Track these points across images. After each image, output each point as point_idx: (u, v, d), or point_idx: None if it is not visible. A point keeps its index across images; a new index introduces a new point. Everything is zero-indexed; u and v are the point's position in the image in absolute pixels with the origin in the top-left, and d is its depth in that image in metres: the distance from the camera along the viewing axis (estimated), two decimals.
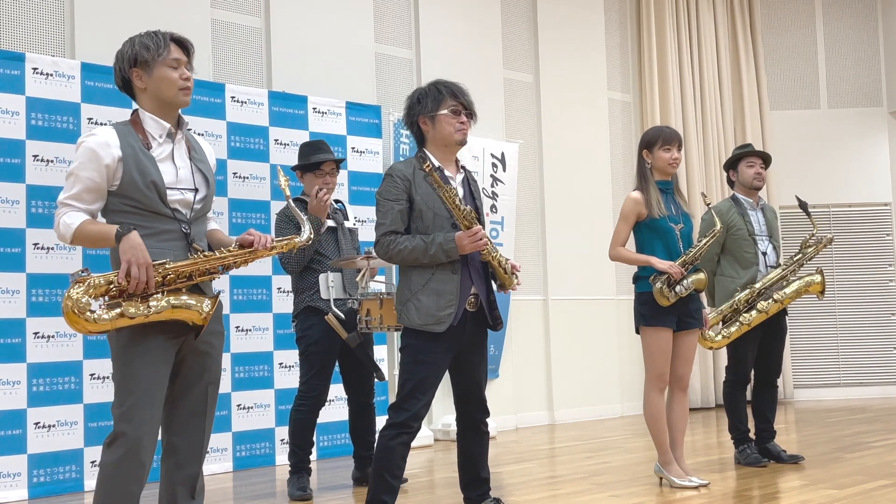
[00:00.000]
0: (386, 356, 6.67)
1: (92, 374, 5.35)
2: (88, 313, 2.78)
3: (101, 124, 4.84)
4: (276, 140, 6.36)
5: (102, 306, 2.83)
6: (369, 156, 6.87)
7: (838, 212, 9.90)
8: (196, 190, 3.07)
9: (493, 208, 7.61)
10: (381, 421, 4.07)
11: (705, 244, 4.68)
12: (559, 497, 4.53)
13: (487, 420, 3.80)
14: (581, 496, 4.52)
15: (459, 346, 3.65)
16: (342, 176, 6.51)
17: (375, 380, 4.99)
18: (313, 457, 5.44)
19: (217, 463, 5.83)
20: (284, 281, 6.14)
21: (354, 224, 5.21)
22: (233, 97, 6.18)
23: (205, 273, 3.00)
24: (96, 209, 2.97)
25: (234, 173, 6.13)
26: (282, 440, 6.11)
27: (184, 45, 3.09)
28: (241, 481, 5.54)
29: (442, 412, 7.17)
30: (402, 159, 6.19)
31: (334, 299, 4.80)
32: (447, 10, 7.73)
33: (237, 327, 6.04)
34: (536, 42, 8.47)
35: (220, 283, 5.84)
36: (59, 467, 5.20)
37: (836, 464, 5.25)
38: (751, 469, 5.16)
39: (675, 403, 4.74)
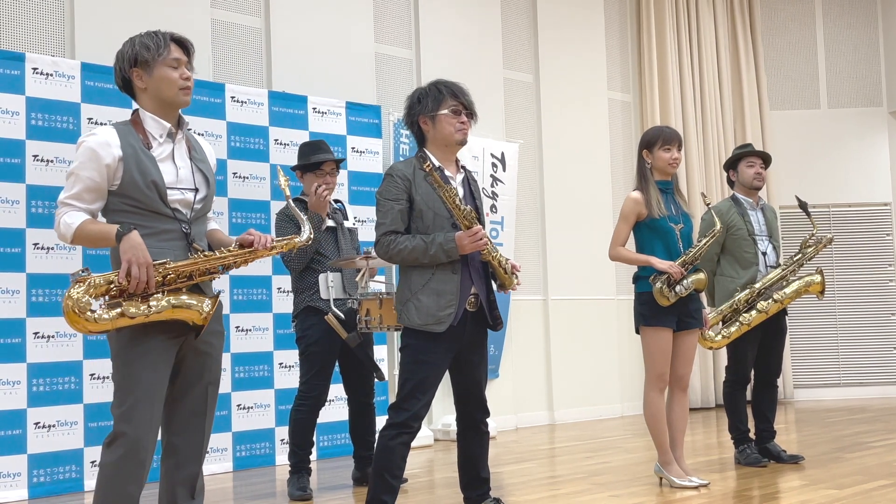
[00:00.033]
0: (386, 356, 6.67)
1: (92, 374, 5.36)
2: (89, 313, 2.79)
3: (101, 124, 4.84)
4: (276, 140, 6.36)
5: (103, 306, 2.83)
6: (369, 156, 6.88)
7: (838, 212, 9.90)
8: (196, 190, 3.07)
9: (493, 208, 7.61)
10: (381, 421, 4.07)
11: (705, 244, 4.68)
12: (559, 497, 4.53)
13: (487, 420, 3.80)
14: (581, 496, 4.52)
15: (459, 346, 3.65)
16: (342, 176, 6.51)
17: (375, 380, 4.99)
18: (313, 457, 5.44)
19: (217, 463, 5.83)
20: (284, 281, 6.14)
21: (354, 224, 5.21)
22: (233, 97, 6.18)
23: (205, 273, 3.00)
24: (97, 209, 2.97)
25: (234, 173, 6.13)
26: (282, 440, 6.11)
27: (184, 45, 3.09)
28: (241, 481, 5.54)
29: (442, 412, 7.17)
30: (402, 159, 6.19)
31: (334, 299, 4.80)
32: (447, 10, 7.73)
33: (237, 327, 6.04)
34: (536, 42, 8.47)
35: (220, 283, 5.84)
36: (59, 467, 5.20)
37: (836, 464, 5.25)
38: (751, 469, 5.16)
39: (675, 403, 4.74)
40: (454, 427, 3.92)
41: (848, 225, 9.86)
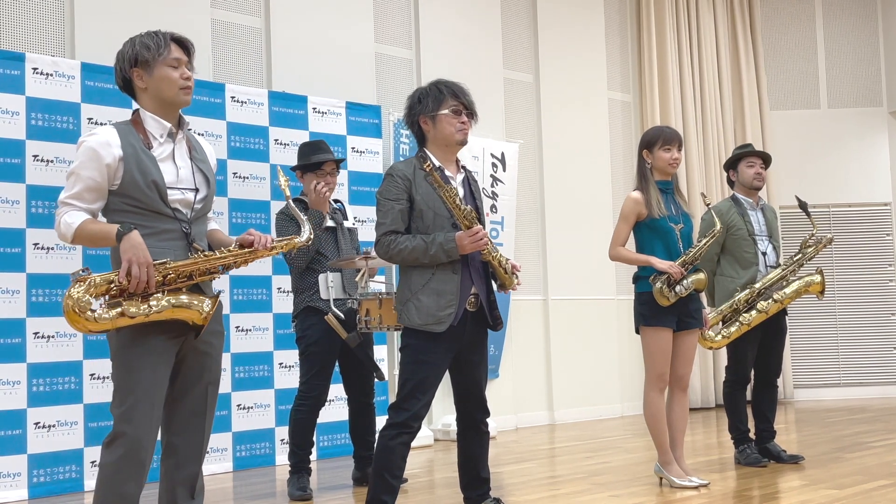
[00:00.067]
0: (386, 356, 6.67)
1: (92, 374, 5.36)
2: (89, 312, 2.79)
3: (101, 124, 4.84)
4: (276, 140, 6.36)
5: (103, 305, 2.83)
6: (369, 156, 6.88)
7: (838, 212, 9.90)
8: (197, 190, 3.07)
9: (493, 208, 7.61)
10: (381, 421, 4.07)
11: (705, 244, 4.68)
12: (559, 497, 4.53)
13: (487, 420, 3.80)
14: (581, 496, 4.52)
15: (459, 346, 3.65)
16: (342, 176, 6.51)
17: (375, 380, 4.99)
18: (313, 457, 5.43)
19: (217, 463, 5.83)
20: (284, 281, 6.14)
21: (353, 224, 5.21)
22: (233, 97, 6.18)
23: (205, 273, 3.00)
24: (97, 208, 2.97)
25: (234, 173, 6.13)
26: (282, 440, 6.11)
27: (184, 45, 3.09)
28: (241, 481, 5.54)
29: (442, 412, 7.17)
30: (402, 159, 6.19)
31: (334, 299, 4.80)
32: (447, 10, 7.73)
33: (237, 327, 6.04)
34: (536, 42, 8.47)
35: (220, 283, 5.84)
36: (59, 467, 5.20)
37: (836, 464, 5.25)
38: (751, 469, 5.16)
39: (675, 403, 4.74)
40: (454, 427, 3.92)
41: (848, 225, 9.86)
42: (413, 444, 3.69)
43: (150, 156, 2.98)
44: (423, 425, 6.17)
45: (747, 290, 5.24)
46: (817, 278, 5.40)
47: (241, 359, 6.04)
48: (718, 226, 4.82)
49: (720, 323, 5.26)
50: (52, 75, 5.36)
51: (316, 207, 4.82)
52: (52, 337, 5.24)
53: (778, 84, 10.13)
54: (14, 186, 5.20)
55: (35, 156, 5.28)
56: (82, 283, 2.80)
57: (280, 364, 6.21)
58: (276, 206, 6.07)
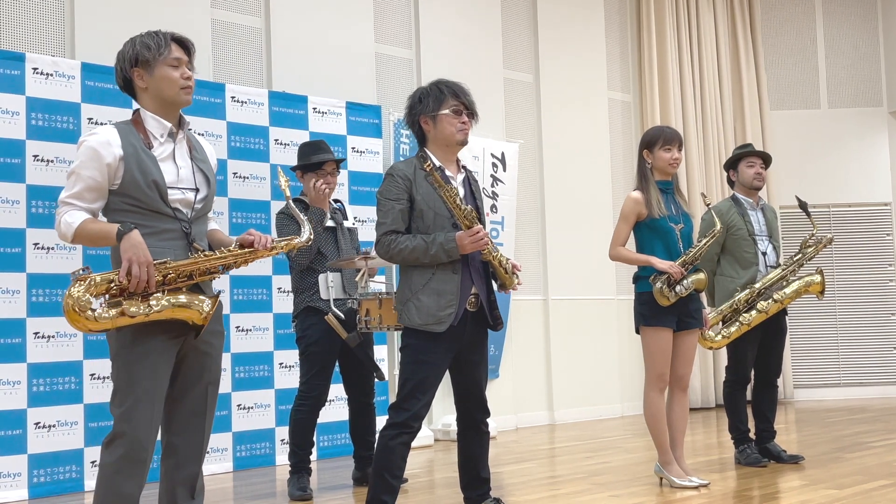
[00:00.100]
0: (386, 356, 6.67)
1: (92, 374, 5.36)
2: (89, 312, 2.78)
3: (101, 124, 4.84)
4: (276, 140, 6.36)
5: (103, 305, 2.83)
6: (369, 156, 6.88)
7: (838, 212, 9.90)
8: (197, 190, 3.07)
9: (494, 208, 7.61)
10: (381, 421, 4.07)
11: (705, 244, 4.68)
12: (559, 497, 4.53)
13: (488, 420, 3.80)
14: (581, 496, 4.52)
15: (460, 346, 3.65)
16: (342, 176, 6.51)
17: (375, 380, 4.99)
18: (313, 457, 5.43)
19: (217, 463, 5.83)
20: (284, 281, 6.14)
21: (353, 224, 5.21)
22: (233, 97, 6.18)
23: (205, 272, 3.00)
24: (97, 208, 2.97)
25: (234, 173, 6.13)
26: (282, 440, 6.11)
27: (185, 45, 3.10)
28: (241, 481, 5.54)
29: (442, 412, 7.17)
30: (402, 159, 6.20)
31: (334, 299, 4.81)
32: (447, 10, 7.73)
33: (237, 327, 6.04)
34: (536, 42, 8.47)
35: (220, 283, 5.84)
36: (59, 467, 5.20)
37: (836, 464, 5.25)
38: (751, 469, 5.16)
39: (675, 403, 4.74)
40: (454, 427, 3.92)
41: (848, 225, 9.86)
42: (413, 444, 3.69)
43: (150, 155, 2.98)
44: (423, 425, 6.16)
45: (747, 290, 5.24)
46: (817, 278, 5.40)
47: (242, 359, 6.04)
48: (718, 226, 4.82)
49: (720, 323, 5.26)
50: (52, 75, 5.37)
51: (316, 205, 4.83)
52: (53, 337, 5.24)
53: (778, 84, 10.13)
54: (14, 186, 5.20)
55: (35, 156, 5.28)
56: (82, 283, 2.80)
57: (280, 364, 6.21)
58: (276, 206, 6.07)
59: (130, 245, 2.83)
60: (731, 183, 5.58)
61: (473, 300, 3.67)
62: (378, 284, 5.30)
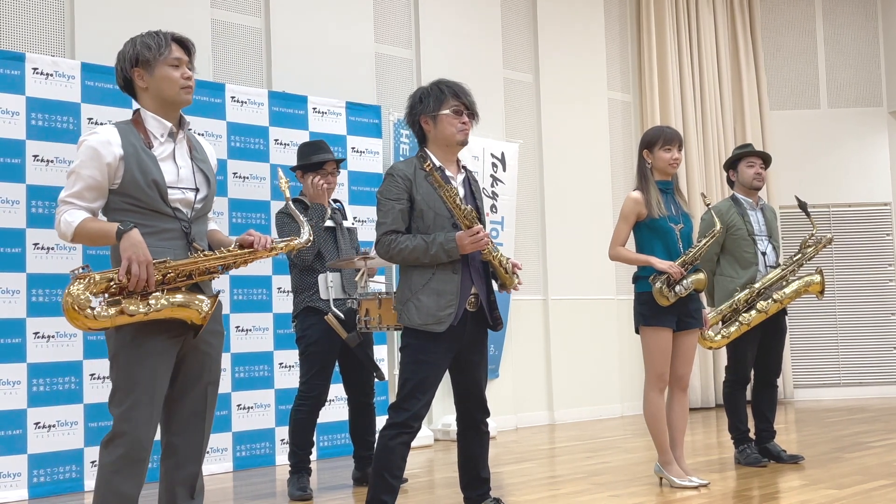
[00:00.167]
0: (386, 356, 6.67)
1: (92, 374, 5.36)
2: (88, 310, 2.78)
3: (101, 124, 4.84)
4: (276, 140, 6.36)
5: (102, 303, 2.83)
6: (369, 156, 6.88)
7: (838, 212, 9.90)
8: (197, 189, 3.07)
9: (493, 208, 7.62)
10: (381, 421, 4.07)
11: (705, 244, 4.68)
12: (559, 497, 4.53)
13: (487, 420, 3.80)
14: (581, 496, 4.52)
15: (459, 346, 3.65)
16: (342, 176, 6.51)
17: (375, 380, 4.99)
18: (313, 457, 5.43)
19: (217, 463, 5.83)
20: (284, 281, 6.14)
21: (353, 224, 5.22)
22: (233, 97, 6.18)
23: (205, 272, 3.00)
24: (97, 207, 2.98)
25: (234, 173, 6.13)
26: (282, 440, 6.11)
27: (185, 45, 3.10)
28: (241, 481, 5.54)
29: (442, 412, 7.17)
30: (402, 159, 6.20)
31: (333, 299, 4.81)
32: (447, 10, 7.73)
33: (237, 327, 6.04)
34: (536, 42, 8.47)
35: (220, 283, 5.84)
36: (59, 467, 5.20)
37: (836, 464, 5.25)
38: (751, 469, 5.16)
39: (674, 403, 4.74)
40: (454, 427, 3.92)
41: (848, 225, 9.87)
42: (413, 444, 3.69)
43: (150, 155, 2.99)
44: (423, 425, 6.17)
45: (747, 290, 5.24)
46: (817, 278, 5.40)
47: (241, 359, 6.04)
48: (718, 226, 4.82)
49: (720, 323, 5.26)
50: (52, 75, 5.37)
51: (316, 201, 4.84)
52: (52, 337, 5.24)
53: (778, 84, 10.13)
54: (14, 186, 5.20)
55: (35, 156, 5.28)
56: (82, 281, 2.80)
57: (280, 364, 6.21)
58: (276, 207, 6.07)
59: (130, 244, 2.83)
60: (730, 183, 5.58)
61: (473, 300, 3.67)
62: (378, 284, 5.30)
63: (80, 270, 2.83)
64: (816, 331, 9.78)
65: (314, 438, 5.01)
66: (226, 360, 5.85)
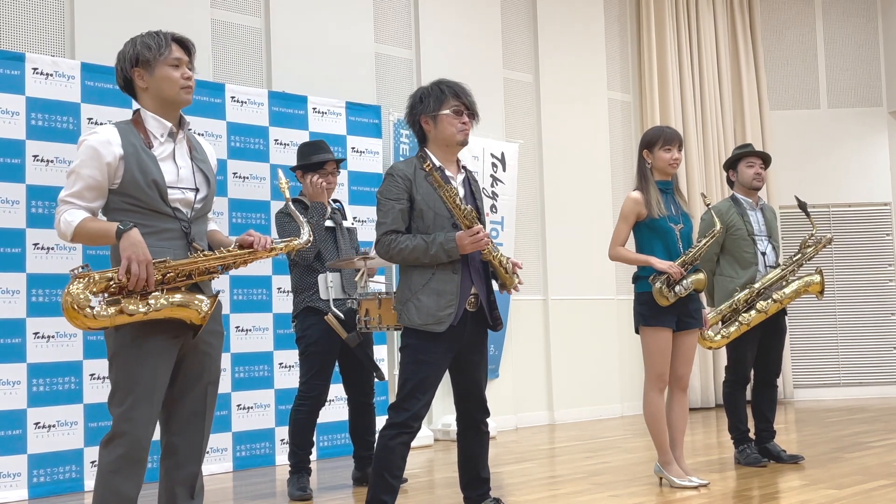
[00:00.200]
0: (386, 356, 6.67)
1: (92, 374, 5.36)
2: (88, 309, 2.78)
3: (101, 124, 4.85)
4: (276, 140, 6.36)
5: (102, 303, 2.83)
6: (369, 156, 6.88)
7: (838, 212, 9.90)
8: (197, 189, 3.08)
9: (493, 208, 7.62)
10: (381, 421, 4.07)
11: (705, 244, 4.68)
12: (559, 497, 4.53)
13: (487, 420, 3.80)
14: (581, 496, 4.52)
15: (459, 346, 3.65)
16: (342, 176, 6.51)
17: (375, 380, 4.99)
18: (313, 457, 5.44)
19: (217, 463, 5.83)
20: (284, 281, 6.14)
21: (353, 224, 5.22)
22: (233, 97, 6.18)
23: (204, 272, 3.00)
24: (97, 207, 2.98)
25: (234, 173, 6.13)
26: (282, 440, 6.11)
27: (185, 45, 3.10)
28: (241, 481, 5.54)
29: (442, 412, 7.17)
30: (401, 159, 6.20)
31: (333, 299, 4.81)
32: (447, 10, 7.73)
33: (237, 327, 6.04)
34: (536, 42, 8.47)
35: (220, 283, 5.84)
36: (59, 467, 5.20)
37: (835, 464, 5.25)
38: (751, 469, 5.16)
39: (674, 403, 4.74)
40: (454, 427, 3.92)
41: (848, 225, 9.87)
42: (413, 444, 3.69)
43: (150, 155, 2.99)
44: (423, 425, 6.17)
45: (746, 290, 5.24)
46: (817, 278, 5.40)
47: (241, 359, 6.04)
48: (718, 226, 4.82)
49: (719, 323, 5.26)
50: (52, 75, 5.37)
51: (315, 200, 4.84)
52: (52, 337, 5.24)
53: (778, 84, 10.13)
54: (14, 186, 5.20)
55: (35, 156, 5.28)
56: (81, 280, 2.80)
57: (280, 364, 6.21)
58: (276, 207, 6.06)
59: (130, 243, 2.83)
60: (730, 183, 5.58)
61: (473, 300, 3.67)
62: (377, 284, 5.30)
63: (80, 270, 2.83)
64: (816, 331, 9.78)
65: (314, 438, 5.01)
66: (226, 360, 5.86)
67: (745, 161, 5.47)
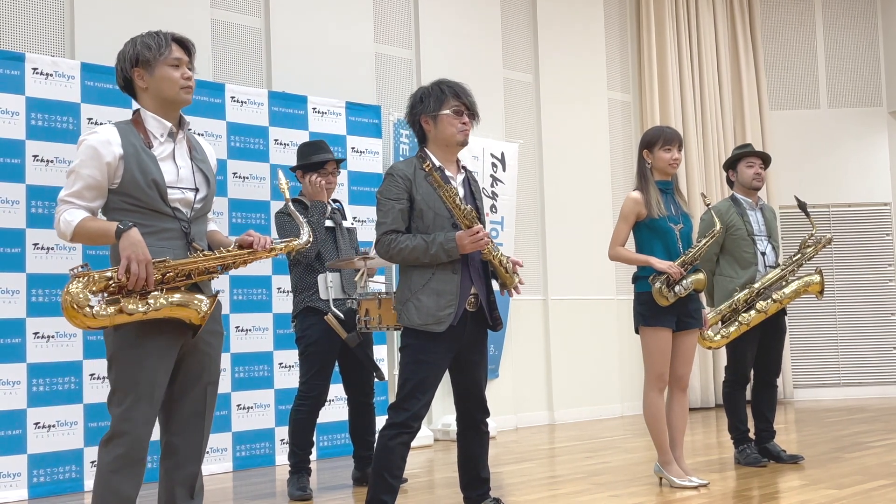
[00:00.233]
0: (386, 356, 6.67)
1: (92, 374, 5.36)
2: (87, 308, 2.78)
3: (101, 124, 4.85)
4: (275, 140, 6.36)
5: (101, 302, 2.83)
6: (369, 156, 6.88)
7: (838, 212, 9.90)
8: (197, 189, 3.08)
9: (493, 208, 7.62)
10: (380, 421, 4.07)
11: (705, 244, 4.68)
12: (559, 497, 4.53)
13: (487, 420, 3.81)
14: (581, 496, 4.52)
15: (459, 346, 3.65)
16: (342, 176, 6.51)
17: (375, 380, 4.99)
18: (313, 457, 5.44)
19: (217, 463, 5.83)
20: (284, 281, 6.14)
21: (352, 224, 5.22)
22: (233, 97, 6.18)
23: (204, 272, 3.00)
24: (97, 207, 2.98)
25: (234, 173, 6.13)
26: (282, 440, 6.11)
27: (185, 45, 3.11)
28: (241, 481, 5.54)
29: (442, 412, 7.17)
30: (401, 159, 6.20)
31: (333, 299, 4.81)
32: (447, 10, 7.73)
33: (237, 327, 6.04)
34: (536, 42, 8.47)
35: (220, 284, 5.85)
36: (59, 467, 5.20)
37: (835, 464, 5.25)
38: (751, 469, 5.17)
39: (674, 403, 4.74)
40: (454, 427, 3.92)
41: (847, 225, 9.87)
42: (413, 444, 3.69)
43: (150, 155, 2.99)
44: (423, 425, 6.17)
45: (746, 290, 5.24)
46: (816, 278, 5.40)
47: (241, 359, 6.04)
48: (718, 226, 4.82)
49: (719, 323, 5.26)
50: (52, 75, 5.37)
51: (315, 199, 4.84)
52: (52, 337, 5.24)
53: (778, 84, 10.13)
54: (14, 186, 5.20)
55: (35, 156, 5.28)
56: (81, 280, 2.80)
57: (280, 364, 6.21)
58: (276, 207, 6.06)
59: (129, 243, 2.83)
60: (730, 183, 5.58)
61: (473, 300, 3.67)
62: (377, 284, 5.30)
63: (79, 269, 2.83)
64: (816, 331, 9.78)
65: (314, 438, 5.01)
66: (226, 360, 5.86)
67: (744, 161, 5.47)
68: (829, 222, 9.75)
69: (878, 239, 9.90)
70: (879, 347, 9.76)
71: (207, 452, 3.95)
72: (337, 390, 5.49)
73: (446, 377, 3.71)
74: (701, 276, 4.65)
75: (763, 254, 5.34)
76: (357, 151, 6.80)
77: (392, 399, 3.86)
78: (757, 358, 5.40)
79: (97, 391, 5.33)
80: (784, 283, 5.32)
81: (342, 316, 4.76)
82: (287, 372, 6.19)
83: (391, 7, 7.46)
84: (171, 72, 3.03)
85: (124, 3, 5.84)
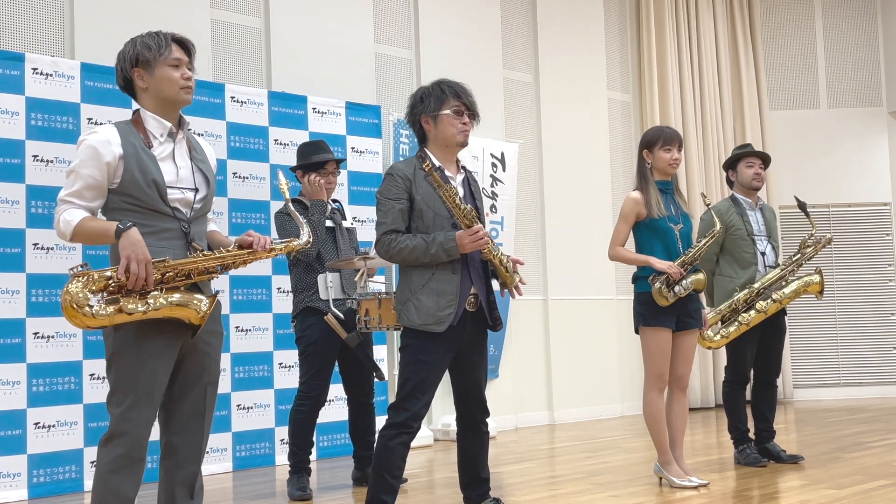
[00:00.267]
0: (386, 356, 6.67)
1: (92, 374, 5.36)
2: (87, 308, 2.78)
3: (101, 124, 4.85)
4: (275, 140, 6.36)
5: (101, 301, 2.83)
6: (369, 156, 6.88)
7: (838, 212, 9.90)
8: (196, 189, 3.08)
9: (493, 208, 7.62)
10: (380, 421, 4.07)
11: (705, 244, 4.68)
12: (559, 497, 4.53)
13: (487, 420, 3.81)
14: (581, 496, 4.52)
15: (459, 346, 3.65)
16: (342, 176, 6.51)
17: (375, 380, 4.99)
18: (313, 457, 5.43)
19: (217, 463, 5.83)
20: (284, 281, 6.14)
21: (352, 224, 5.22)
22: (232, 97, 6.18)
23: (203, 272, 3.00)
24: (96, 206, 2.98)
25: (234, 173, 6.13)
26: (282, 440, 6.11)
27: (185, 46, 3.11)
28: (240, 481, 5.54)
29: (442, 412, 7.17)
30: (401, 159, 6.20)
31: (333, 299, 4.81)
32: (447, 10, 7.73)
33: (237, 327, 6.04)
34: (536, 42, 8.47)
35: (220, 284, 5.85)
36: (58, 467, 5.20)
37: (835, 464, 5.25)
38: (750, 469, 5.17)
39: (674, 403, 4.74)
40: (454, 427, 3.92)
41: (847, 225, 9.87)
42: (413, 444, 3.69)
43: (150, 155, 2.99)
44: (422, 425, 6.18)
45: (746, 290, 5.24)
46: (816, 278, 5.40)
47: (241, 359, 6.04)
48: (718, 226, 4.82)
49: (719, 323, 5.26)
50: (51, 75, 5.37)
51: (315, 198, 4.84)
52: (52, 337, 5.24)
53: (778, 84, 10.13)
54: (14, 186, 5.20)
55: (35, 156, 5.28)
56: (80, 279, 2.80)
57: (280, 364, 6.21)
58: (276, 207, 6.06)
59: (129, 243, 2.83)
60: (730, 183, 5.58)
61: (473, 300, 3.67)
62: (377, 284, 5.30)
63: (79, 269, 2.83)
64: (816, 331, 9.78)
65: (314, 438, 5.01)
66: (225, 360, 5.85)
67: (744, 161, 5.47)
68: (829, 222, 9.75)
69: (878, 239, 9.90)
70: (879, 347, 9.76)
71: (207, 452, 3.95)
72: (337, 390, 5.49)
73: (446, 377, 3.71)
74: (701, 276, 4.65)
75: (763, 254, 5.34)
76: (357, 151, 6.80)
77: (392, 399, 3.86)
78: (757, 358, 5.40)
79: (97, 391, 5.33)
80: (784, 283, 5.32)
81: (342, 316, 4.76)
82: (287, 372, 6.19)
83: (391, 7, 7.46)
84: (171, 72, 3.03)
85: (124, 3, 5.84)
